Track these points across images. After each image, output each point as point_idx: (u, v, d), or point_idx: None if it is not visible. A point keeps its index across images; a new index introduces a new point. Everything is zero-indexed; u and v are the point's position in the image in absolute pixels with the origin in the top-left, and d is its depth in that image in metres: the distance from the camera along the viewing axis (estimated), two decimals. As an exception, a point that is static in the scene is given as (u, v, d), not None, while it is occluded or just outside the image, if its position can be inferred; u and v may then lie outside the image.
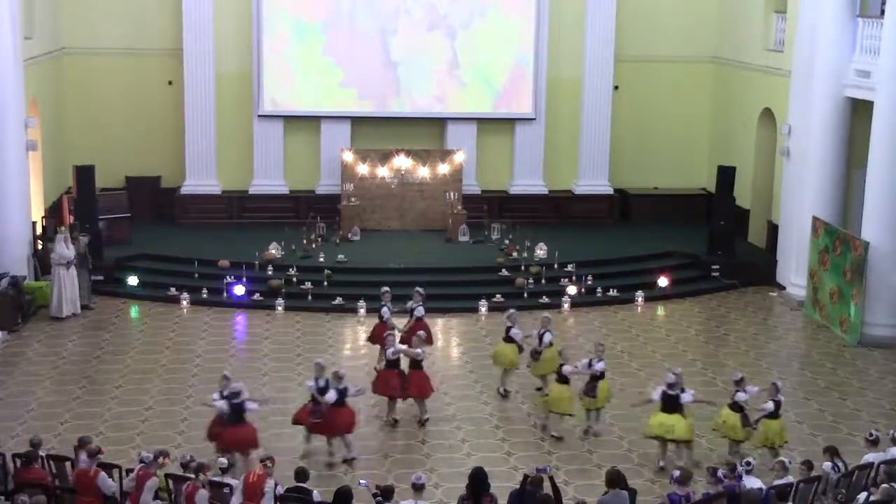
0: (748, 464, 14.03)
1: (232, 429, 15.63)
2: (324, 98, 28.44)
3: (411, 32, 28.44)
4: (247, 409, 15.77)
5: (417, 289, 20.19)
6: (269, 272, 24.48)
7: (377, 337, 19.50)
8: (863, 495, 13.40)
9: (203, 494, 13.05)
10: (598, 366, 17.41)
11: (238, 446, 15.66)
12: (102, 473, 13.47)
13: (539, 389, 18.83)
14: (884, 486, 13.20)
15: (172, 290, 24.04)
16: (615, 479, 13.03)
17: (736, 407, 16.38)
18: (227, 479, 13.55)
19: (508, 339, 19.12)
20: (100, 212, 25.50)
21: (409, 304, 19.98)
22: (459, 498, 13.09)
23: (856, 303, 22.19)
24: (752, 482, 13.71)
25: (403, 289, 24.17)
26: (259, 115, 28.43)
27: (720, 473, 13.64)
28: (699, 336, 22.81)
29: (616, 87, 29.49)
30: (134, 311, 23.37)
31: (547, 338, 18.62)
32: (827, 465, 14.23)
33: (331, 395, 16.18)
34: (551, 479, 13.07)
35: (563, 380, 17.24)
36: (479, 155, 29.08)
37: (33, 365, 20.16)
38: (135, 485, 13.37)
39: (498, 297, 23.92)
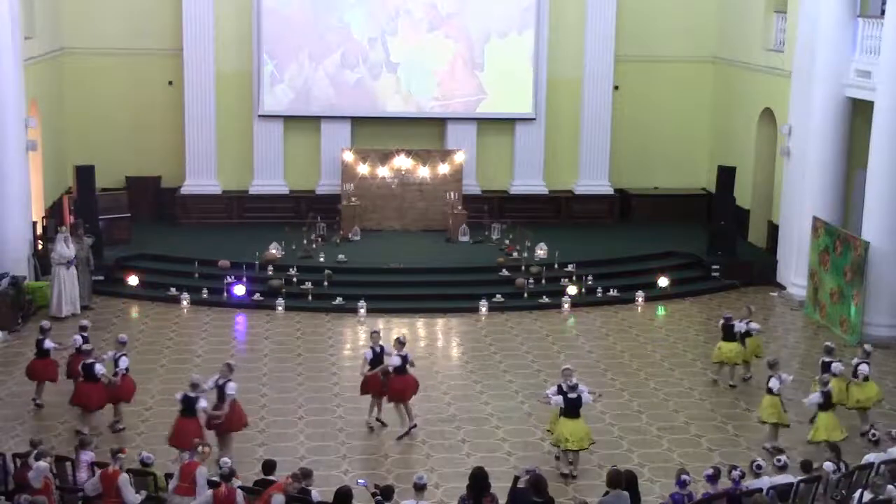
0: (759, 467, 13.95)
1: (398, 378, 17.15)
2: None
3: (411, 33, 28.44)
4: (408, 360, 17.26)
5: (397, 336, 17.88)
6: (270, 272, 24.48)
7: (371, 386, 17.53)
8: (860, 495, 13.41)
9: (202, 471, 13.06)
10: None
11: (401, 397, 17.17)
12: (124, 475, 13.45)
13: (558, 458, 16.39)
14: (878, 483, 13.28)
15: (172, 290, 24.04)
16: (616, 480, 13.00)
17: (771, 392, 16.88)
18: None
19: (570, 406, 15.89)
20: (100, 212, 25.50)
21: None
22: (460, 498, 13.09)
23: (856, 303, 22.17)
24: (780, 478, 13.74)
25: (403, 289, 24.36)
26: (259, 115, 28.44)
27: (705, 474, 13.62)
28: (699, 336, 22.79)
29: (616, 87, 29.49)
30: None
31: (586, 397, 16.14)
32: (828, 465, 14.22)
33: (394, 360, 17.15)
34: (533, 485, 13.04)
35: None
36: (480, 155, 29.09)
37: (33, 365, 20.15)
38: (178, 483, 13.41)
39: (498, 297, 23.92)
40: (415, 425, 17.34)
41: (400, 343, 17.46)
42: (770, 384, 16.94)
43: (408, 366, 17.41)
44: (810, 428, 16.73)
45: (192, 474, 13.38)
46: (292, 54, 28.29)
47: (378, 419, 17.59)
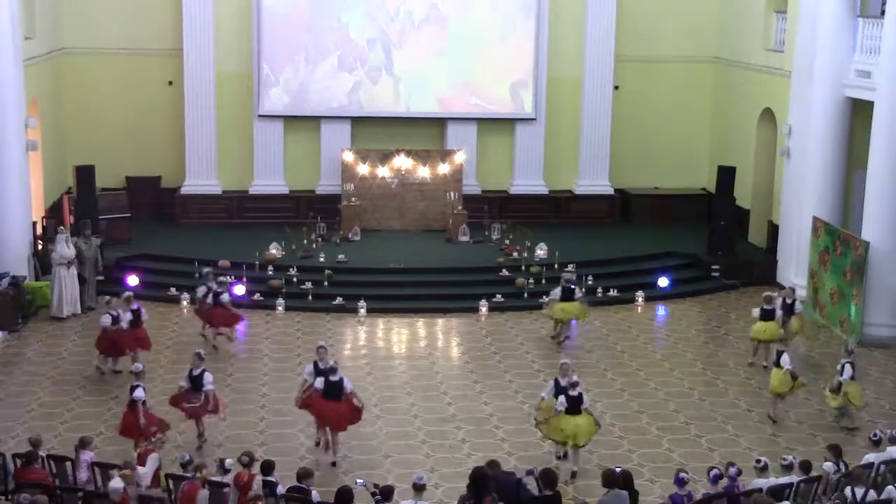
0: (758, 461, 13.96)
1: (329, 403, 16.09)
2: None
3: (410, 34, 28.42)
4: (345, 386, 16.12)
5: (320, 344, 17.45)
6: (270, 272, 24.48)
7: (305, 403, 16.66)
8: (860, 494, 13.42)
9: (203, 494, 13.05)
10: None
11: (332, 422, 16.12)
12: (155, 454, 14.07)
13: (559, 458, 16.36)
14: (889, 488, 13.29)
15: (172, 290, 24.03)
16: (612, 479, 13.01)
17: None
18: (226, 479, 13.55)
19: (572, 404, 15.87)
20: (100, 212, 25.52)
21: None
22: (460, 498, 13.09)
23: (856, 303, 22.17)
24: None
25: (403, 289, 24.36)
26: (259, 115, 28.44)
27: (712, 474, 13.63)
28: (699, 336, 22.80)
29: (616, 87, 29.49)
30: None
31: (587, 398, 16.25)
32: (828, 465, 14.21)
33: (317, 383, 16.32)
34: (537, 479, 13.10)
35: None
36: (480, 155, 29.09)
37: (33, 365, 20.17)
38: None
39: (498, 297, 23.93)
40: (333, 463, 16.11)
41: (332, 369, 16.38)
42: (781, 360, 17.94)
43: (345, 393, 16.21)
44: (835, 396, 17.92)
45: (249, 485, 13.20)
46: (288, 56, 28.23)
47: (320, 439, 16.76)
